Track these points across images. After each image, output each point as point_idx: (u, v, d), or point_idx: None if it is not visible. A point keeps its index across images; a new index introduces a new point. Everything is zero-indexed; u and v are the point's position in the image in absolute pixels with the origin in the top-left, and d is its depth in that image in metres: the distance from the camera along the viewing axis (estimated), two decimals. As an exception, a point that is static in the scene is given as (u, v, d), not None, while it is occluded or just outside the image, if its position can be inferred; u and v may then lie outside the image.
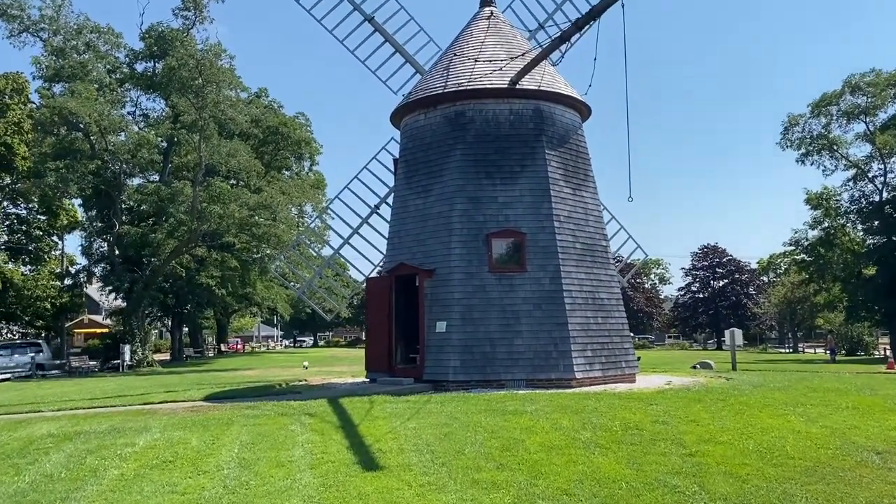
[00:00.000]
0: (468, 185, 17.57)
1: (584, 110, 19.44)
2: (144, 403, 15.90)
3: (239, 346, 72.56)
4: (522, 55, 17.26)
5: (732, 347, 22.14)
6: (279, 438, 10.43)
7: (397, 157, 20.12)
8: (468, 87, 18.03)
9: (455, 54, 19.05)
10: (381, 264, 20.31)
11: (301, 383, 20.77)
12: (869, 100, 43.65)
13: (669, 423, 10.96)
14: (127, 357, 37.57)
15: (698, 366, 22.93)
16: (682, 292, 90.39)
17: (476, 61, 18.26)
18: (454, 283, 16.94)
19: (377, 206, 21.45)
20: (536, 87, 18.12)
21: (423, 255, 17.73)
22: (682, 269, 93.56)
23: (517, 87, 17.82)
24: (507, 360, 16.39)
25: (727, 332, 23.37)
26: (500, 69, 18.11)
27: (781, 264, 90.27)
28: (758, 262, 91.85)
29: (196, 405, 15.02)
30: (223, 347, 64.77)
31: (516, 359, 16.41)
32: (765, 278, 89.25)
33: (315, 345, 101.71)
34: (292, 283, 29.33)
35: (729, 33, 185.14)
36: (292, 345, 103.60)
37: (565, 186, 18.10)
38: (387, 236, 19.78)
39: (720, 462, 8.49)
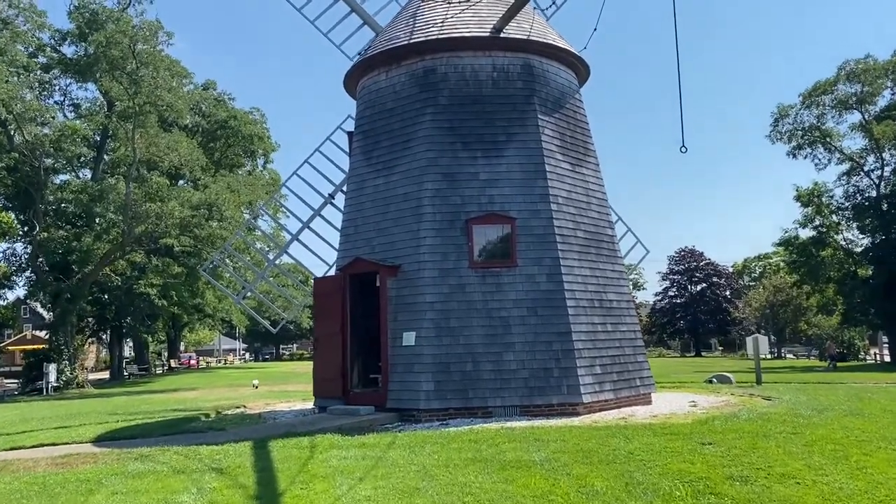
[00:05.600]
0: (441, 158, 13.87)
1: (581, 70, 15.88)
2: (10, 448, 11.89)
3: (193, 362, 67.34)
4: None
5: (756, 356, 18.54)
6: (153, 523, 6.55)
7: (352, 130, 16.33)
8: (439, 37, 14.33)
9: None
10: (336, 263, 16.42)
11: (236, 412, 16.74)
12: (864, 88, 40.91)
13: (753, 479, 7.32)
14: (52, 377, 32.94)
15: (714, 379, 19.41)
16: (660, 297, 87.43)
17: (449, 4, 14.60)
18: (425, 283, 13.20)
19: (332, 195, 17.66)
20: (525, 38, 14.49)
21: (385, 247, 13.96)
22: (659, 273, 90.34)
23: (501, 35, 14.20)
24: (494, 382, 12.72)
25: (749, 339, 19.80)
26: (480, 14, 14.50)
27: (756, 268, 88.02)
28: (732, 266, 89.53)
29: (74, 452, 10.99)
30: (174, 364, 59.78)
31: (507, 379, 12.74)
32: (742, 282, 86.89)
33: (278, 358, 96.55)
34: (235, 293, 25.12)
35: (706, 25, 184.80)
36: (253, 359, 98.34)
37: (563, 161, 14.48)
38: (340, 227, 15.93)
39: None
